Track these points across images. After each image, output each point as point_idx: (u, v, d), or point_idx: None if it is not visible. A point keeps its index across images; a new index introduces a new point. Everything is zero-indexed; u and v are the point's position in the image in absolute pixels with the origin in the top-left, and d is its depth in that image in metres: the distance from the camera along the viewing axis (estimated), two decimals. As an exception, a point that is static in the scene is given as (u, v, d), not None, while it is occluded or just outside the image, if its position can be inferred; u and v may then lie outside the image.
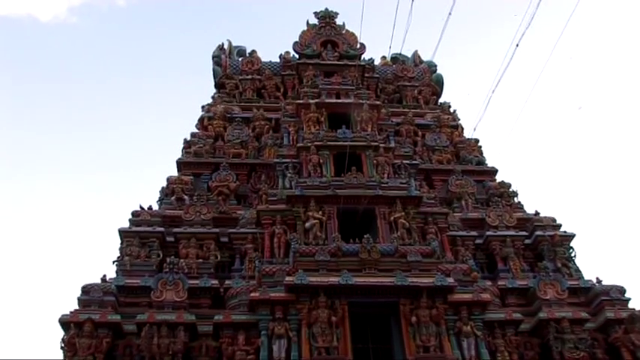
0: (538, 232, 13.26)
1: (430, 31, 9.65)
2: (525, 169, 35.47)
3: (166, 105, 41.76)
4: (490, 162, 15.84)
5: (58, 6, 44.32)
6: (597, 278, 12.48)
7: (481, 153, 16.01)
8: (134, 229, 12.57)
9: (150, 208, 13.26)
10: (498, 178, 15.34)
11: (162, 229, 12.64)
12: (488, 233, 13.27)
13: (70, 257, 34.26)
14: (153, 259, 12.18)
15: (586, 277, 12.68)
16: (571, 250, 13.13)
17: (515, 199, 14.61)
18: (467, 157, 15.72)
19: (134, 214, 12.95)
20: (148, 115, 41.00)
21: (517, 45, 8.04)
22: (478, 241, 13.25)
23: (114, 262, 12.15)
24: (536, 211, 14.05)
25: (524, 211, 14.21)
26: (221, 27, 42.45)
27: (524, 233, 13.39)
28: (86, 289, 11.01)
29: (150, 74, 42.87)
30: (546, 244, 13.06)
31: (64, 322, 10.47)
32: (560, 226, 13.54)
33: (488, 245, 13.18)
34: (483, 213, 13.80)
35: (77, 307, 10.83)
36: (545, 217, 13.77)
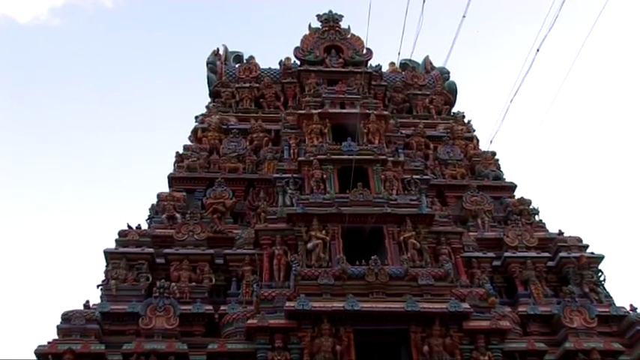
0: (562, 254, 13.14)
1: (442, 35, 9.64)
2: (547, 185, 35.28)
3: (157, 115, 41.60)
4: (508, 177, 15.81)
5: (37, 7, 44.62)
6: (631, 305, 12.32)
7: (498, 167, 15.97)
8: (121, 250, 12.51)
9: (138, 227, 13.22)
10: (517, 194, 15.29)
11: (151, 250, 12.59)
12: (506, 254, 13.17)
13: (49, 281, 34.04)
14: (141, 282, 12.11)
15: (618, 304, 12.49)
16: (600, 274, 12.98)
17: (537, 217, 14.53)
18: (483, 171, 15.68)
19: (121, 233, 12.90)
20: (137, 126, 40.87)
21: (537, 50, 8.01)
22: (496, 262, 13.15)
23: (98, 286, 12.08)
24: (559, 231, 13.95)
25: (547, 231, 14.12)
26: (216, 30, 42.46)
27: (546, 254, 13.28)
28: (67, 317, 10.92)
29: (139, 81, 42.90)
30: (572, 267, 12.93)
31: (41, 354, 10.36)
32: (587, 246, 13.43)
33: (506, 267, 13.07)
34: (501, 232, 13.73)
35: (56, 337, 10.75)
36: (569, 237, 13.66)
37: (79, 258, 34.64)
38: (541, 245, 13.49)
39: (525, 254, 13.12)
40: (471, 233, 13.72)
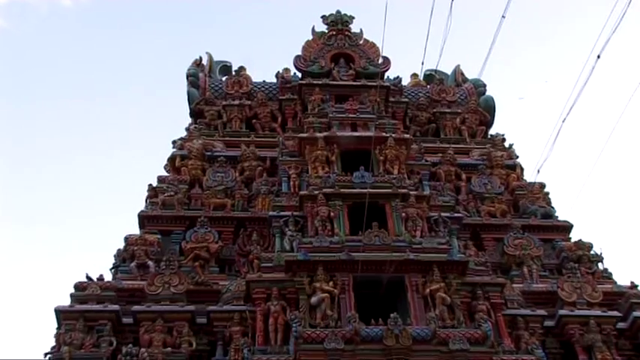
0: (636, 313, 12.92)
1: (476, 40, 9.58)
2: (612, 224, 34.94)
3: (125, 138, 41.83)
4: (561, 214, 15.77)
5: (-25, 5, 45.05)
6: None
7: (549, 202, 15.99)
8: (77, 307, 12.38)
9: (100, 278, 13.17)
10: (574, 236, 15.25)
11: (116, 306, 12.49)
12: (561, 312, 12.96)
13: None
14: (103, 349, 11.94)
15: None
16: (692, 340, 12.71)
17: (600, 265, 14.46)
18: (529, 207, 15.68)
19: (78, 286, 12.80)
20: (100, 151, 41.04)
21: (598, 56, 7.92)
22: (548, 322, 12.94)
23: (46, 354, 11.89)
24: (632, 283, 13.85)
25: (614, 282, 14.01)
26: (198, 35, 42.78)
27: (615, 313, 13.03)
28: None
29: (103, 96, 42.91)
30: (651, 330, 12.71)
31: None
32: (670, 304, 13.25)
33: (562, 329, 12.86)
34: (554, 284, 13.55)
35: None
36: (645, 292, 13.54)
37: (22, 318, 34.39)
38: (607, 301, 13.26)
39: (587, 312, 12.86)
40: (515, 285, 13.55)
